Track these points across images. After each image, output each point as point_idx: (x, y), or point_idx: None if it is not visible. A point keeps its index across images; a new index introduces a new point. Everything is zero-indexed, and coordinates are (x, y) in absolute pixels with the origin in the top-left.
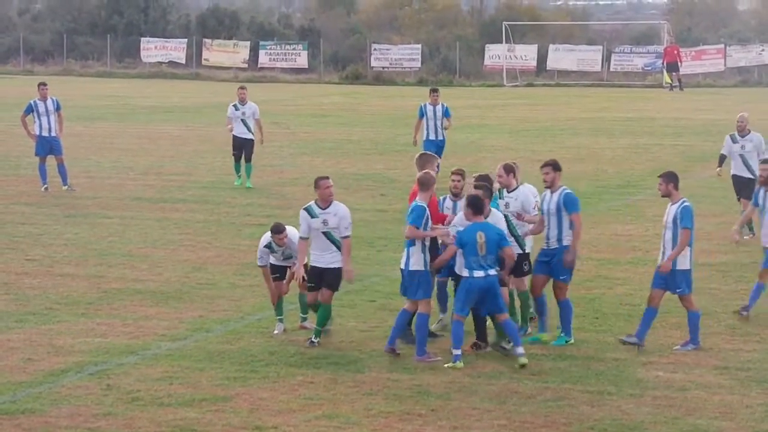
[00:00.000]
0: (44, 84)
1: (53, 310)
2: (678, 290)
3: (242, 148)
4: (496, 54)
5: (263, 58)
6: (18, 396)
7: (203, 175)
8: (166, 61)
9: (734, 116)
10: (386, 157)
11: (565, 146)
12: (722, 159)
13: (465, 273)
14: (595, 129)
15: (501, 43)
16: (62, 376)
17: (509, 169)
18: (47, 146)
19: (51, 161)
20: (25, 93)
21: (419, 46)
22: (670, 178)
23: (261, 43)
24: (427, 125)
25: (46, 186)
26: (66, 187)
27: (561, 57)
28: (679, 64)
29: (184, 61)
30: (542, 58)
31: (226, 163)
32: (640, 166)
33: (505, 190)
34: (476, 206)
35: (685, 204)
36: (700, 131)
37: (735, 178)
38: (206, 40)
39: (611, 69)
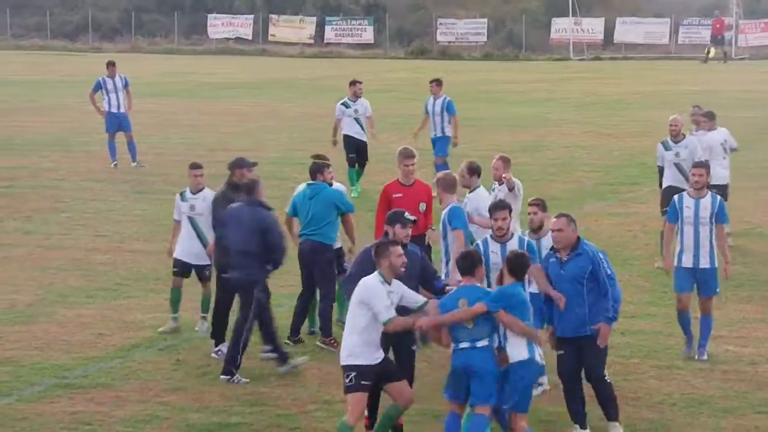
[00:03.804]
0: (113, 63)
1: (123, 286)
2: None
3: (358, 151)
4: (562, 27)
5: (329, 34)
6: (90, 370)
7: (270, 151)
8: (233, 37)
9: None
10: None
11: (633, 119)
12: (662, 172)
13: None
14: (663, 102)
15: (567, 16)
16: (133, 351)
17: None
18: (116, 122)
19: (120, 138)
20: (94, 70)
21: (485, 20)
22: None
23: (327, 18)
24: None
25: (115, 162)
26: (135, 163)
27: (628, 30)
28: (720, 37)
29: (250, 37)
30: (609, 31)
31: (293, 138)
32: None
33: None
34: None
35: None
36: None
37: (669, 190)
38: (272, 16)
39: (679, 41)
